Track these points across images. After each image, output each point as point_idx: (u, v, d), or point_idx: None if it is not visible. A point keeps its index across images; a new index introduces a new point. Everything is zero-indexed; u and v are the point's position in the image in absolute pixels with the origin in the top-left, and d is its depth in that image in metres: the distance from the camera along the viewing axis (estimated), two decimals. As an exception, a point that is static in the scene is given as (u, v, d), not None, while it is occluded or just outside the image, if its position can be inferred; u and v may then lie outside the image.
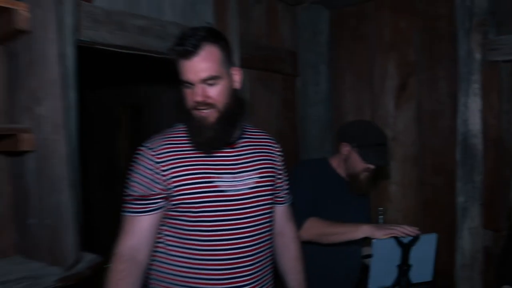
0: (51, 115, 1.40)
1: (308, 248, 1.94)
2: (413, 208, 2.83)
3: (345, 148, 2.05)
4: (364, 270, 2.09)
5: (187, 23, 2.17)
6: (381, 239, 1.81)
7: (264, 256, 1.48)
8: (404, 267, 1.83)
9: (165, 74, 3.06)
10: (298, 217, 1.87)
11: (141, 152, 1.40)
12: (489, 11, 2.29)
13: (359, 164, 2.00)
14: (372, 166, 2.01)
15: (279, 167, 1.61)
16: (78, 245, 1.49)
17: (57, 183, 1.43)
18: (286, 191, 1.68)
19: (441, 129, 2.70)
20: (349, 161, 2.04)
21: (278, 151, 1.62)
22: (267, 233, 1.49)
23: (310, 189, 2.00)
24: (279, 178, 1.62)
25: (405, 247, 1.82)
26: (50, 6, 1.36)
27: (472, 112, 2.32)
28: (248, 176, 1.44)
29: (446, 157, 2.65)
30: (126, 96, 4.35)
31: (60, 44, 1.38)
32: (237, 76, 1.43)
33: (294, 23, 3.06)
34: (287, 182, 1.69)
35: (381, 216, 2.70)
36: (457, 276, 2.38)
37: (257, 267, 1.44)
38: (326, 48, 3.06)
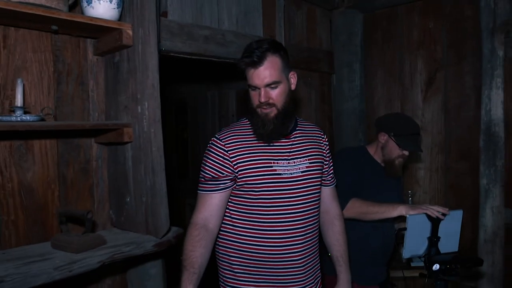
0: (150, 113, 1.71)
1: (350, 224, 2.17)
2: (440, 190, 3.11)
3: (383, 137, 2.32)
4: (398, 242, 2.35)
5: (241, 31, 2.49)
6: (414, 215, 2.04)
7: (313, 228, 1.75)
8: (433, 239, 2.04)
9: (211, 73, 3.37)
10: (341, 197, 2.10)
11: (213, 142, 1.69)
12: (511, 12, 2.53)
13: (395, 151, 2.27)
14: (406, 153, 2.28)
15: (326, 154, 1.88)
16: (169, 218, 1.80)
17: (154, 167, 1.73)
18: (331, 175, 1.94)
19: (465, 119, 2.95)
20: (386, 149, 2.31)
21: (325, 140, 1.89)
22: (315, 210, 1.76)
23: (351, 173, 2.25)
24: (326, 164, 1.88)
25: (435, 222, 2.04)
26: (151, 26, 1.67)
27: (495, 103, 2.58)
28: (300, 161, 1.72)
29: (469, 144, 2.91)
30: (171, 93, 4.60)
31: (157, 55, 1.71)
32: (293, 79, 1.70)
33: (331, 26, 3.35)
34: (332, 167, 1.95)
35: (410, 198, 2.99)
36: (480, 250, 2.64)
37: (307, 237, 1.71)
38: (360, 48, 3.31)
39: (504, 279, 2.63)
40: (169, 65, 3.33)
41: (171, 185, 4.56)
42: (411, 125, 2.32)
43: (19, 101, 1.53)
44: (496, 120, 2.57)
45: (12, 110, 1.54)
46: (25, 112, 1.57)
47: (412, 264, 2.70)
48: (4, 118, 1.46)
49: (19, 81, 1.54)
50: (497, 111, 2.56)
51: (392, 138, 2.28)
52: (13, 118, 1.47)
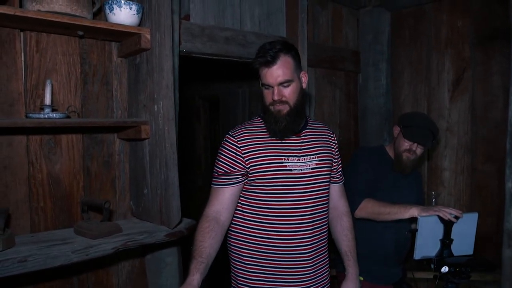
0: (164, 111, 1.82)
1: (363, 224, 2.23)
2: (465, 192, 3.04)
3: (396, 131, 2.34)
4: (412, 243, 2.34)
5: (263, 32, 2.56)
6: (426, 216, 2.04)
7: (321, 224, 1.81)
8: (446, 241, 2.04)
9: (241, 72, 3.47)
10: (356, 197, 2.15)
11: (226, 138, 1.78)
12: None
13: (403, 144, 2.26)
14: (414, 147, 2.25)
15: (335, 153, 1.93)
16: (180, 210, 1.91)
17: (167, 162, 1.85)
18: (340, 172, 1.99)
19: (493, 120, 2.88)
20: (396, 142, 2.31)
21: (334, 139, 1.94)
22: (323, 205, 1.82)
23: (367, 172, 2.27)
24: (335, 162, 1.94)
25: (448, 224, 2.03)
26: (166, 30, 1.78)
27: (522, 105, 2.49)
28: (310, 158, 1.78)
29: (497, 146, 2.83)
30: (204, 90, 4.77)
31: (173, 58, 1.83)
32: (304, 78, 1.77)
33: (357, 25, 3.35)
34: (341, 165, 2.00)
35: (434, 199, 2.96)
36: (504, 255, 2.57)
37: (315, 231, 1.77)
38: (387, 47, 3.29)
39: (528, 285, 2.55)
40: (203, 64, 3.46)
41: (205, 182, 4.71)
42: (421, 118, 2.31)
43: (47, 100, 1.69)
44: (523, 122, 2.48)
45: (42, 108, 1.71)
46: (53, 110, 1.73)
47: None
48: (34, 115, 1.62)
49: (47, 82, 1.70)
50: (524, 113, 2.47)
51: (401, 130, 2.29)
52: (41, 116, 1.62)
